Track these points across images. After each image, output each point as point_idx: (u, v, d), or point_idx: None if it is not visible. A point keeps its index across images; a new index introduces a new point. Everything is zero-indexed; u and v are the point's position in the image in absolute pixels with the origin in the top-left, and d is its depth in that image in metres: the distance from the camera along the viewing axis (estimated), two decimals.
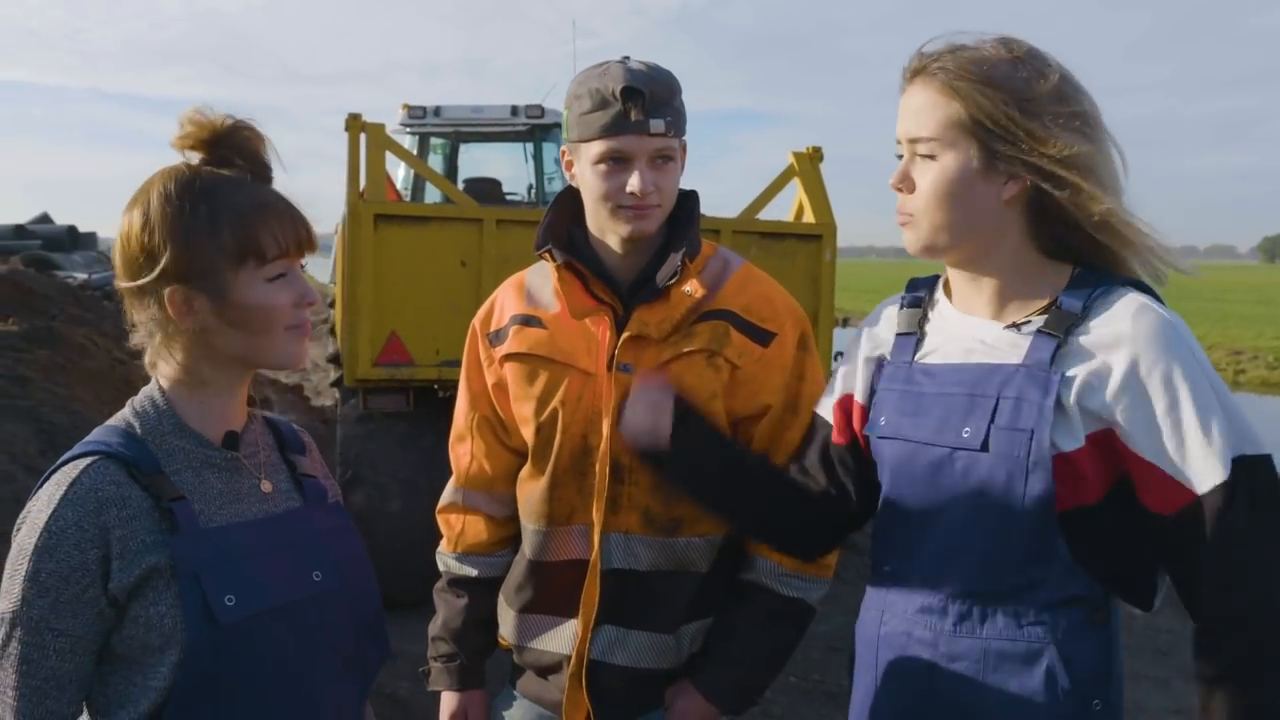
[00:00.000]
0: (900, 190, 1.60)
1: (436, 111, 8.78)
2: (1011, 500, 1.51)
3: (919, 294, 1.74)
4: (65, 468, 1.37)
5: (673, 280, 1.86)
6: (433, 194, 9.11)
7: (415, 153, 8.37)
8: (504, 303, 2.04)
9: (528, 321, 1.96)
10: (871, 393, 1.74)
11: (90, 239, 26.99)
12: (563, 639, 1.95)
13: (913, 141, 1.57)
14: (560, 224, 1.96)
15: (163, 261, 1.38)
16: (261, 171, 1.48)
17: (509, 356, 1.96)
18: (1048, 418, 1.48)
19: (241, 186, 1.44)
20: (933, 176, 1.55)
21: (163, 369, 1.46)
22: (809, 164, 5.81)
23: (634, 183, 1.80)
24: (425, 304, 5.06)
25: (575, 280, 1.90)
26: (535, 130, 9.08)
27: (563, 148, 1.92)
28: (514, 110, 8.88)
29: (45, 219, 27.34)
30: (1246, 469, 1.40)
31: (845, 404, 1.79)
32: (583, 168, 1.86)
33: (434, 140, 9.39)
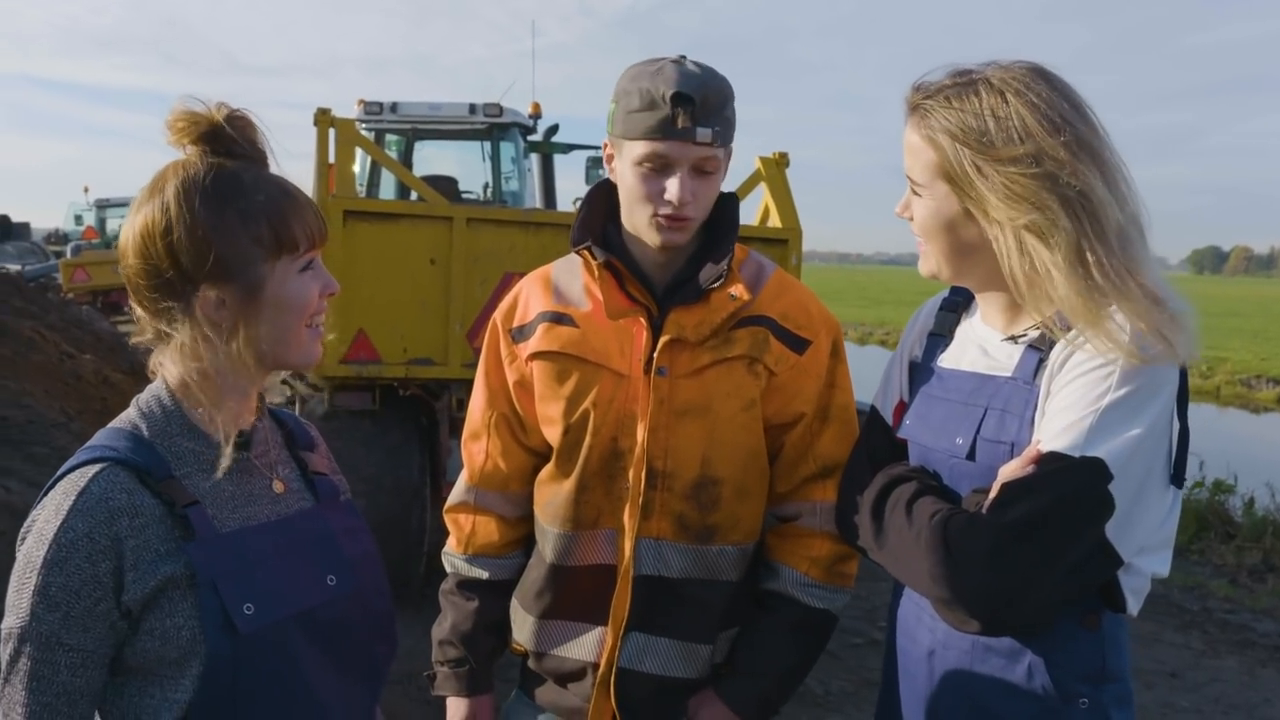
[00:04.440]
0: (904, 218, 1.66)
1: (393, 108, 8.68)
2: None
3: (958, 298, 1.78)
4: (72, 475, 1.31)
5: (716, 284, 1.84)
6: (387, 191, 9.04)
7: None
8: (529, 298, 1.98)
9: (558, 319, 1.91)
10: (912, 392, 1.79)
11: (24, 229, 26.29)
12: (586, 646, 1.91)
13: (909, 178, 1.62)
14: (595, 220, 1.93)
15: (194, 262, 1.34)
16: (262, 159, 1.44)
17: (538, 354, 1.91)
18: (1027, 431, 1.52)
19: (260, 177, 1.41)
20: (921, 213, 1.61)
21: (171, 370, 1.41)
22: (775, 169, 5.86)
23: (673, 191, 1.76)
24: (394, 302, 5.01)
25: (613, 279, 1.87)
26: (493, 129, 9.01)
27: (605, 140, 1.88)
28: (472, 108, 8.81)
29: None
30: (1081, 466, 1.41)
31: (899, 405, 1.82)
32: (623, 165, 1.82)
33: (389, 137, 9.29)
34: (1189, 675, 5.57)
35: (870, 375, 2.12)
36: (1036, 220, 1.45)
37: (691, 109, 1.73)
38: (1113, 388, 1.44)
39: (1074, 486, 1.41)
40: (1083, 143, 1.49)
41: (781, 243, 5.51)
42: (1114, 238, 1.46)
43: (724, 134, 1.79)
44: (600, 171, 8.72)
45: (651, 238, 1.83)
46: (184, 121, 1.39)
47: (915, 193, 1.61)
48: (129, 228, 1.38)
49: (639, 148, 1.77)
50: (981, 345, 1.67)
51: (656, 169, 1.78)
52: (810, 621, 1.94)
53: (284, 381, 6.19)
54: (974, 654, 1.60)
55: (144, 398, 1.42)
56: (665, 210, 1.79)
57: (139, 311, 1.41)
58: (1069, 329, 1.51)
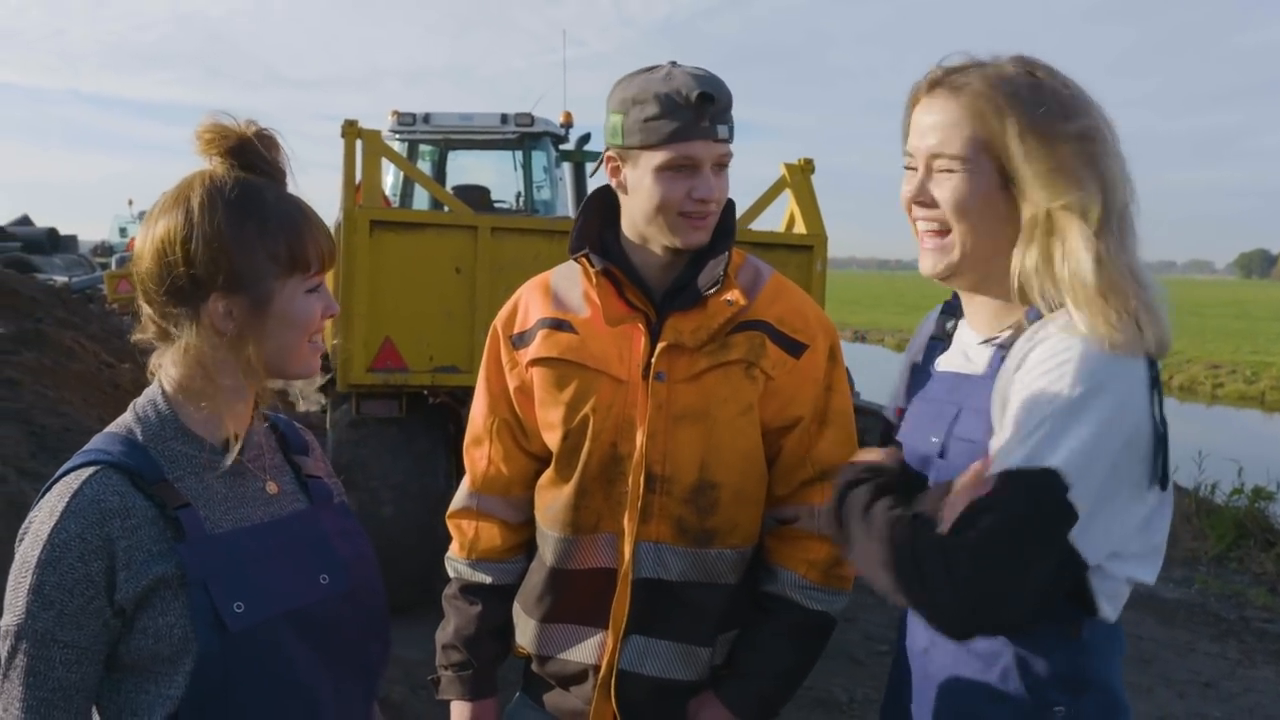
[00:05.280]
0: (921, 204, 1.59)
1: (426, 118, 8.77)
2: None
3: (956, 302, 1.77)
4: (67, 478, 1.35)
5: (713, 289, 1.85)
6: (420, 201, 9.13)
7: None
8: (528, 305, 2.01)
9: (558, 326, 1.93)
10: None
11: (71, 242, 26.85)
12: (587, 649, 1.93)
13: (934, 157, 1.56)
14: (592, 228, 1.95)
15: (209, 270, 1.37)
16: (282, 177, 1.47)
17: (537, 361, 1.93)
18: (988, 429, 1.52)
19: (281, 196, 1.45)
20: (955, 189, 1.54)
21: (170, 373, 1.44)
22: (800, 175, 5.85)
23: (703, 189, 1.80)
24: (420, 310, 5.07)
25: (611, 286, 1.89)
26: (524, 138, 9.08)
27: (608, 153, 1.89)
28: (503, 118, 8.89)
29: (25, 221, 27.20)
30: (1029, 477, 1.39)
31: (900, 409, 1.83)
32: (639, 175, 1.83)
33: (423, 147, 9.38)
34: (1223, 685, 5.49)
35: None
36: (1079, 198, 1.45)
37: (713, 108, 1.78)
38: (1065, 390, 1.41)
39: (1033, 501, 1.39)
40: (1107, 123, 1.51)
41: (806, 249, 5.51)
42: (1117, 219, 1.49)
43: (732, 130, 1.84)
44: None
45: (674, 239, 1.85)
46: (213, 134, 1.43)
47: (945, 170, 1.55)
48: (150, 231, 1.41)
49: (662, 154, 1.79)
50: (964, 348, 1.68)
51: (682, 171, 1.80)
52: (809, 624, 1.95)
53: (320, 389, 6.28)
54: (958, 654, 1.59)
55: (140, 403, 1.45)
56: (691, 209, 1.82)
57: (146, 310, 1.44)
58: (1030, 326, 1.52)
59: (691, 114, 1.77)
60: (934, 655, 1.65)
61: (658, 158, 1.80)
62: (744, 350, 1.88)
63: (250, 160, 1.44)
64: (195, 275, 1.38)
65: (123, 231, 29.14)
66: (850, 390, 2.11)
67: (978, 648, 1.57)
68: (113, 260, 22.70)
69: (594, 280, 1.89)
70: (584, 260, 1.90)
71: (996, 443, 1.47)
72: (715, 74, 1.83)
